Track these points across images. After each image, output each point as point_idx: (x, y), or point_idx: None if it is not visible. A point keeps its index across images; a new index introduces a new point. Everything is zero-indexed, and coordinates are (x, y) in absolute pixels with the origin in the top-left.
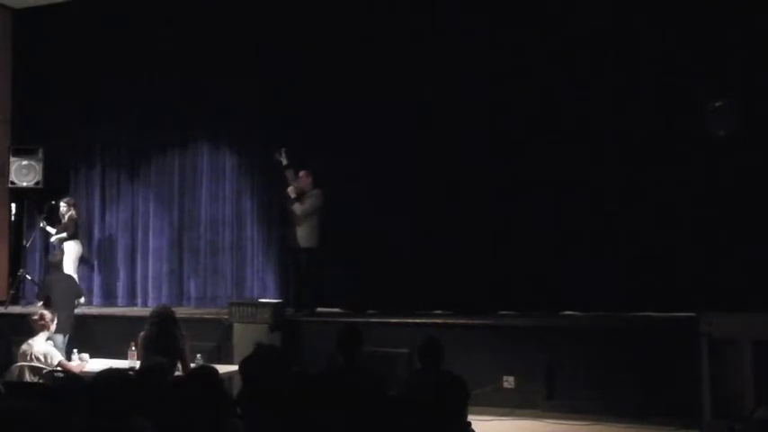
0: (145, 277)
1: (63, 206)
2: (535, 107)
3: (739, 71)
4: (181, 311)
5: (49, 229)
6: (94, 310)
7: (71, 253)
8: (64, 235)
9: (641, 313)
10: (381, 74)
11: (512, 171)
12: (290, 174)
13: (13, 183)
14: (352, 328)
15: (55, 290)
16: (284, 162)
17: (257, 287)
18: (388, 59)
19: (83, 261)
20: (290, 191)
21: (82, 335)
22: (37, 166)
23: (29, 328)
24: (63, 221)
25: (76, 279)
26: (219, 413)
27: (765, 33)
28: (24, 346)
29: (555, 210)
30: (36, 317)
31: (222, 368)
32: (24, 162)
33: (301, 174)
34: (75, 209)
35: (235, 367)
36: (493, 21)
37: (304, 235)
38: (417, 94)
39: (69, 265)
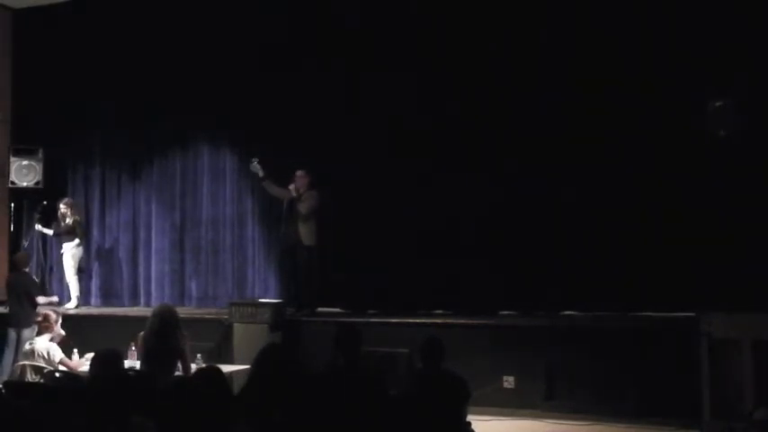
0: (148, 278)
1: (63, 207)
2: (535, 106)
3: (739, 71)
4: (181, 311)
5: (44, 230)
6: (94, 311)
7: (72, 254)
8: (50, 232)
9: (641, 313)
10: (380, 76)
11: (512, 171)
12: (267, 184)
13: (13, 183)
14: (350, 328)
15: (12, 288)
16: (260, 174)
17: (258, 287)
18: (386, 63)
19: (82, 262)
20: (292, 189)
21: (82, 335)
22: (37, 166)
23: None
24: (64, 223)
25: (36, 279)
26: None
27: (766, 33)
28: (27, 346)
29: (555, 209)
30: (40, 318)
31: (222, 368)
32: (24, 162)
33: (299, 173)
34: (75, 210)
35: (235, 367)
36: (491, 18)
37: (305, 233)
38: (415, 94)
39: (70, 267)
